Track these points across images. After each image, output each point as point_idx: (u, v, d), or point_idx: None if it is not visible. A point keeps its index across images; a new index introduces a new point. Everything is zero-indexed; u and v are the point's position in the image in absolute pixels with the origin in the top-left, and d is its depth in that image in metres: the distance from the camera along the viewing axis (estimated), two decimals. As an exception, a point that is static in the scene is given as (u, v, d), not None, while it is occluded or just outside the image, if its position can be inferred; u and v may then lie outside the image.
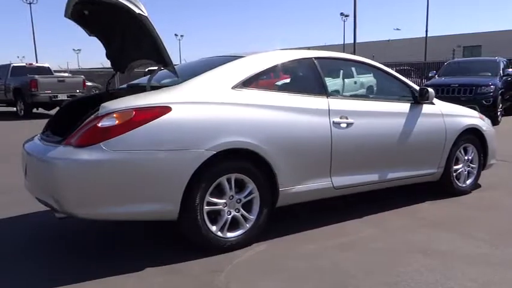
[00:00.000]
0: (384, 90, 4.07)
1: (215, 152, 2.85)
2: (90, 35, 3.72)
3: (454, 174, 4.40)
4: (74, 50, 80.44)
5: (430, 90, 3.99)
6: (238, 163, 3.01)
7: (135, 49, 3.41)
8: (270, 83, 3.38)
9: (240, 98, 3.07)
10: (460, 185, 4.47)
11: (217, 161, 2.88)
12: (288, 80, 3.56)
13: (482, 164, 4.66)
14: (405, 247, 3.14)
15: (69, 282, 2.60)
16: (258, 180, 3.09)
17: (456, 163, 4.41)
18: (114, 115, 2.68)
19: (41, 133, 3.43)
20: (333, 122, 3.42)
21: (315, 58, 3.60)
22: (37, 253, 3.10)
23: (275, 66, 3.36)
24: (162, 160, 2.73)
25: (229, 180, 3.00)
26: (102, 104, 2.73)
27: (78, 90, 14.81)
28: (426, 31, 30.75)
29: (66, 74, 19.63)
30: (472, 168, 4.58)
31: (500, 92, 10.90)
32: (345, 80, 3.80)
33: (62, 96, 14.29)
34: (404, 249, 3.10)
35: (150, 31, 2.92)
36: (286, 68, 3.48)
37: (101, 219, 2.81)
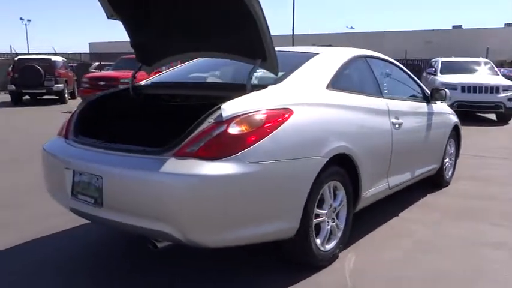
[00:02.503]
0: (410, 91, 4.18)
1: (328, 159, 2.58)
2: (109, 18, 3.02)
3: (444, 167, 4.76)
4: None
5: (447, 90, 4.23)
6: (336, 169, 2.78)
7: (201, 38, 2.84)
8: (346, 83, 3.17)
9: (335, 100, 2.83)
10: (446, 177, 4.86)
11: (325, 168, 2.61)
12: (356, 80, 3.39)
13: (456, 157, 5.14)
14: (466, 242, 3.25)
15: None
16: (347, 186, 2.89)
17: (445, 157, 4.78)
18: (241, 119, 2.22)
19: (73, 136, 2.69)
20: (392, 122, 3.39)
21: (365, 57, 3.53)
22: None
23: (345, 65, 3.16)
24: (288, 171, 2.35)
25: (329, 189, 2.75)
26: (223, 107, 2.22)
27: None
28: (293, 29, 32.80)
29: None
30: (452, 160, 5.02)
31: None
32: (386, 80, 3.80)
33: None
34: (467, 245, 3.21)
35: (254, 15, 2.38)
36: (352, 67, 3.31)
37: (223, 246, 2.29)
